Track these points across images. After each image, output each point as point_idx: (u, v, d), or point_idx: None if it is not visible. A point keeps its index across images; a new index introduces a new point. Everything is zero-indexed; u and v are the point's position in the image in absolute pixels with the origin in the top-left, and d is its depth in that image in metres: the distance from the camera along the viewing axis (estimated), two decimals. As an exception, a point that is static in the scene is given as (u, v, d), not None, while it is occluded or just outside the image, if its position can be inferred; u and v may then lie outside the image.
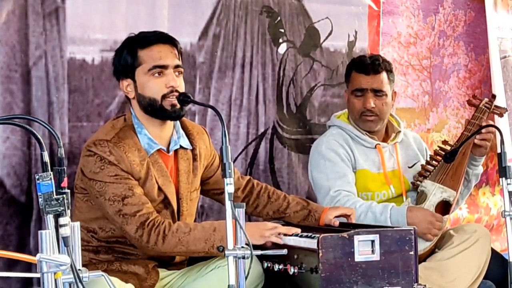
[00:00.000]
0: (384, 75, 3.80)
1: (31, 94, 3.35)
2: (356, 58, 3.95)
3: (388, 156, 3.83)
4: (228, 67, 3.99)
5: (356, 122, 3.82)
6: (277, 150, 4.22)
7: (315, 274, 2.84)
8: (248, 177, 3.48)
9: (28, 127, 2.25)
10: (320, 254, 2.81)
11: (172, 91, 3.01)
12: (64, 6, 3.42)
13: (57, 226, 2.14)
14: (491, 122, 3.83)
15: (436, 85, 4.92)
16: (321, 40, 4.35)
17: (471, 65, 5.08)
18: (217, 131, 3.85)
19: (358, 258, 2.86)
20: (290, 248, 2.90)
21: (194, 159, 3.21)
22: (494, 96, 4.09)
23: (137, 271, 3.02)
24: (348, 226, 3.17)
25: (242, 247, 2.52)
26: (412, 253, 2.92)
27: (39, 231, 2.08)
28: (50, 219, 2.12)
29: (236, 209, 2.53)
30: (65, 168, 2.19)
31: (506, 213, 3.19)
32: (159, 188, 3.07)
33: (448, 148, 3.77)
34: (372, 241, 2.88)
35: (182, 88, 3.06)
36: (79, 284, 2.13)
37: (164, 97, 3.02)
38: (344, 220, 3.32)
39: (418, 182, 3.75)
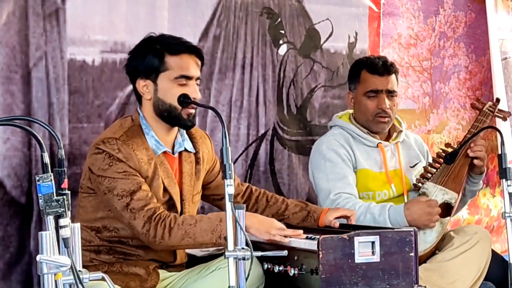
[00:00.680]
0: (394, 76, 3.81)
1: (32, 95, 3.35)
2: (363, 58, 3.93)
3: (390, 155, 3.83)
4: (228, 68, 3.99)
5: (368, 124, 3.80)
6: (277, 151, 4.21)
7: (315, 276, 2.84)
8: (247, 184, 3.52)
9: (28, 128, 2.25)
10: (320, 256, 2.81)
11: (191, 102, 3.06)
12: (64, 7, 3.42)
13: (57, 227, 2.14)
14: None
15: (436, 86, 4.91)
16: (322, 41, 4.35)
17: (472, 67, 5.08)
18: (218, 132, 3.85)
19: (358, 259, 2.85)
20: (290, 249, 2.90)
21: (197, 163, 3.23)
22: (498, 100, 4.10)
23: (138, 272, 3.03)
24: (348, 228, 3.17)
25: (243, 248, 2.52)
26: (412, 254, 2.92)
27: (39, 232, 2.09)
28: (50, 220, 2.12)
29: (237, 210, 2.53)
30: (66, 169, 2.19)
31: (507, 215, 3.19)
32: (165, 189, 3.08)
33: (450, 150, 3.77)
34: (372, 243, 2.88)
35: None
36: (79, 286, 2.13)
37: (184, 106, 3.05)
38: (344, 221, 3.32)
39: (420, 184, 3.75)
